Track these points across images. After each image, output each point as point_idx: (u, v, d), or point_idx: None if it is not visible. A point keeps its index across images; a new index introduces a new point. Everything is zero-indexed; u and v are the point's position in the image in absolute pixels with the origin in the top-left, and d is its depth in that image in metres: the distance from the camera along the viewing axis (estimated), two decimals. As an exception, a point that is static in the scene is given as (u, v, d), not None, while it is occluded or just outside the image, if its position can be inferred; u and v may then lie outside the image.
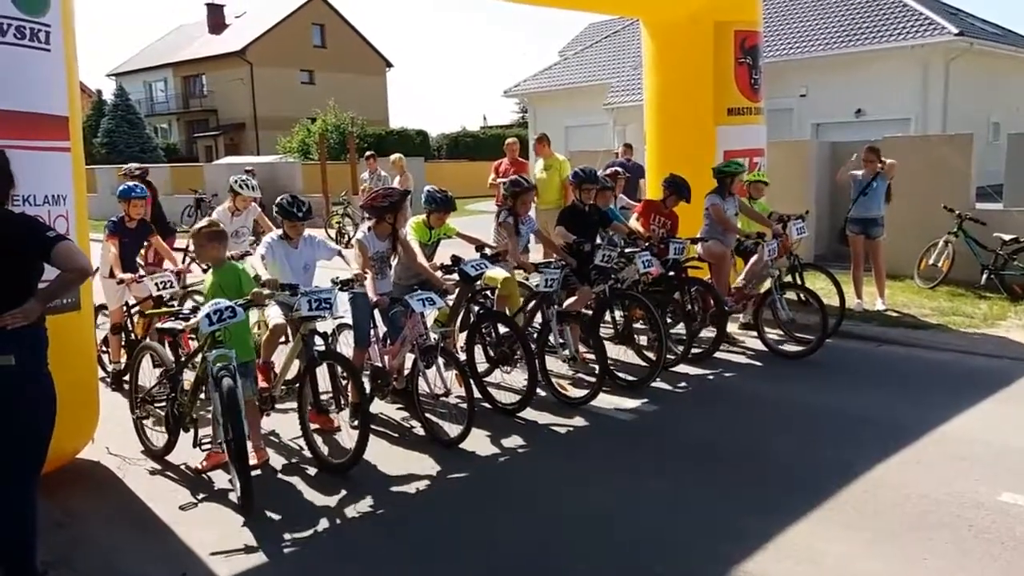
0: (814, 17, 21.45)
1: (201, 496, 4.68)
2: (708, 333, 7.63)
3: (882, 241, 8.97)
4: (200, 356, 4.80)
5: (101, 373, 6.60)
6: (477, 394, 5.80)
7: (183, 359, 5.59)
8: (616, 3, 9.77)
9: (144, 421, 5.37)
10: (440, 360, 5.46)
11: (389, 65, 51.90)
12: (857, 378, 6.81)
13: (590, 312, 6.81)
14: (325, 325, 5.30)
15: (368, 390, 5.44)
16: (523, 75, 30.80)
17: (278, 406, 5.45)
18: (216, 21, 50.11)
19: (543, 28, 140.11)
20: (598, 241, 7.09)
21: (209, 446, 4.87)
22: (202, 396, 4.88)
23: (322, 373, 5.12)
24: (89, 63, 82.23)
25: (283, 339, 5.58)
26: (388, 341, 5.89)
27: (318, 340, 5.11)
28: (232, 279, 4.98)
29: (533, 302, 6.78)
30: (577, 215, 7.08)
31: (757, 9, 9.41)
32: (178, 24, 55.34)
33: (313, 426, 5.28)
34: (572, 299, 6.60)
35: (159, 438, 5.22)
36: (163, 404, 5.09)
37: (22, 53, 4.38)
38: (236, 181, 7.38)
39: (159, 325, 5.36)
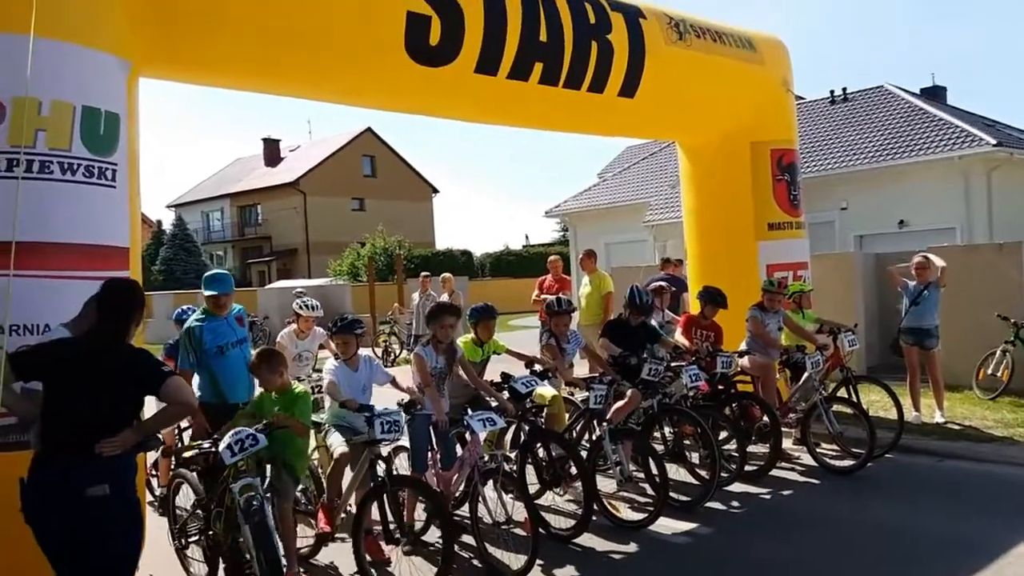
0: (851, 133, 21.75)
1: (244, 626, 4.56)
2: (761, 449, 7.43)
3: (937, 352, 8.76)
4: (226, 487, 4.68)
5: (149, 497, 6.61)
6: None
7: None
8: (652, 128, 10.09)
9: (184, 551, 5.29)
10: (500, 485, 5.26)
11: (435, 191, 53.75)
12: (920, 495, 6.51)
13: (638, 427, 6.68)
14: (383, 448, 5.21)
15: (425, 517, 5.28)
16: (563, 196, 31.59)
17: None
18: (272, 154, 52.79)
19: (582, 151, 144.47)
20: (644, 355, 7.04)
21: None
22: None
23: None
24: (151, 196, 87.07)
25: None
26: (442, 464, 5.76)
27: (383, 464, 5.03)
28: (289, 407, 4.90)
29: (581, 419, 6.69)
30: (624, 329, 7.08)
31: (792, 128, 9.63)
32: (235, 158, 58.43)
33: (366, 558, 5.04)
34: (621, 403, 6.42)
35: (200, 567, 5.13)
36: (197, 535, 5.03)
37: (90, 190, 4.65)
38: (298, 303, 7.55)
39: (185, 455, 5.29)
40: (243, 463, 4.48)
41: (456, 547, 5.58)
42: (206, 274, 5.94)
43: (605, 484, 6.48)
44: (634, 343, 6.98)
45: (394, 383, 5.80)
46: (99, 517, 3.24)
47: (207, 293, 5.69)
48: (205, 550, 4.93)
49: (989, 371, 9.84)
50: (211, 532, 4.82)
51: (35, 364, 3.40)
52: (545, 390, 6.43)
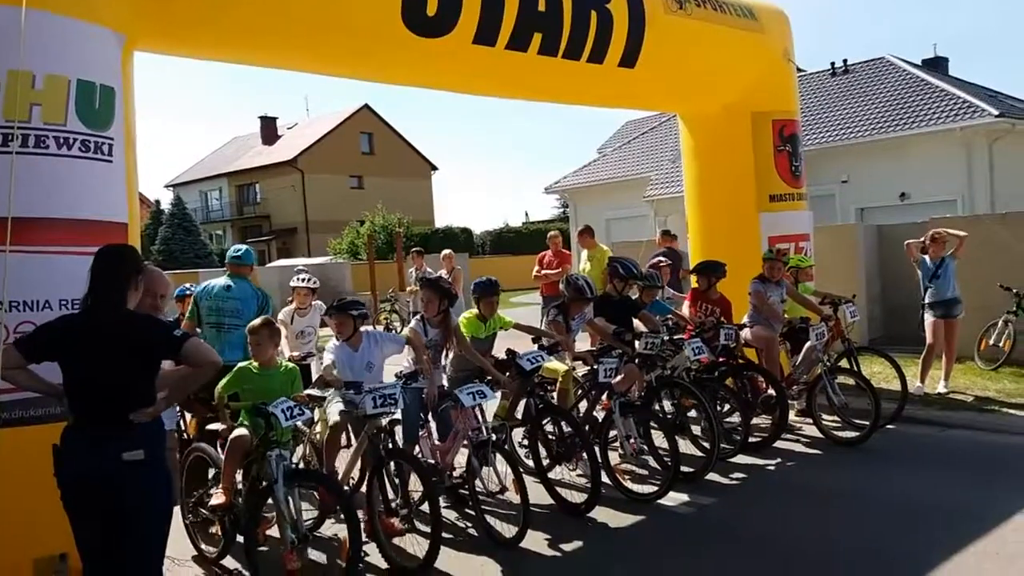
0: (852, 105, 21.60)
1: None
2: (765, 420, 7.43)
3: (960, 320, 8.73)
4: (254, 457, 4.69)
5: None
6: (544, 494, 5.62)
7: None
8: (653, 99, 9.99)
9: (196, 524, 5.29)
10: (495, 456, 5.27)
11: (434, 168, 53.51)
12: (923, 465, 6.52)
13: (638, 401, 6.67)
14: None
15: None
16: (563, 172, 31.48)
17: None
18: (269, 133, 52.46)
19: (581, 126, 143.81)
20: (642, 329, 7.03)
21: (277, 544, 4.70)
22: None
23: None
24: (149, 176, 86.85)
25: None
26: (438, 436, 5.77)
27: (384, 437, 5.03)
28: (285, 382, 4.90)
29: (584, 393, 6.67)
30: (612, 305, 7.06)
31: (793, 99, 9.54)
32: (232, 136, 58.09)
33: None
34: (619, 377, 6.36)
35: (212, 541, 5.14)
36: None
37: (86, 164, 4.61)
38: (293, 280, 7.53)
39: (210, 427, 5.33)
40: (276, 434, 4.48)
41: (454, 517, 5.66)
42: (247, 248, 6.53)
43: (613, 458, 6.49)
44: (623, 318, 6.96)
45: (411, 342, 5.75)
46: (135, 479, 3.27)
47: (252, 263, 6.41)
48: (223, 523, 4.92)
49: (991, 342, 9.84)
50: (232, 505, 4.79)
51: (42, 345, 3.37)
52: (556, 365, 6.40)
